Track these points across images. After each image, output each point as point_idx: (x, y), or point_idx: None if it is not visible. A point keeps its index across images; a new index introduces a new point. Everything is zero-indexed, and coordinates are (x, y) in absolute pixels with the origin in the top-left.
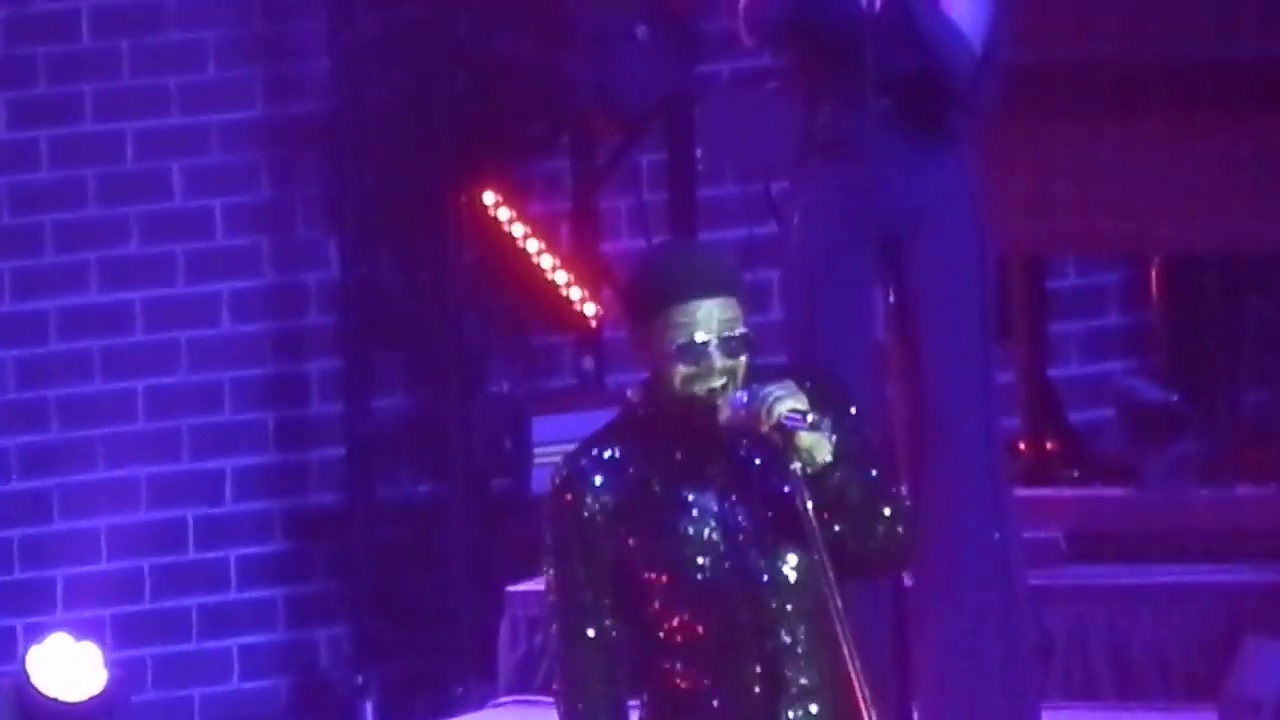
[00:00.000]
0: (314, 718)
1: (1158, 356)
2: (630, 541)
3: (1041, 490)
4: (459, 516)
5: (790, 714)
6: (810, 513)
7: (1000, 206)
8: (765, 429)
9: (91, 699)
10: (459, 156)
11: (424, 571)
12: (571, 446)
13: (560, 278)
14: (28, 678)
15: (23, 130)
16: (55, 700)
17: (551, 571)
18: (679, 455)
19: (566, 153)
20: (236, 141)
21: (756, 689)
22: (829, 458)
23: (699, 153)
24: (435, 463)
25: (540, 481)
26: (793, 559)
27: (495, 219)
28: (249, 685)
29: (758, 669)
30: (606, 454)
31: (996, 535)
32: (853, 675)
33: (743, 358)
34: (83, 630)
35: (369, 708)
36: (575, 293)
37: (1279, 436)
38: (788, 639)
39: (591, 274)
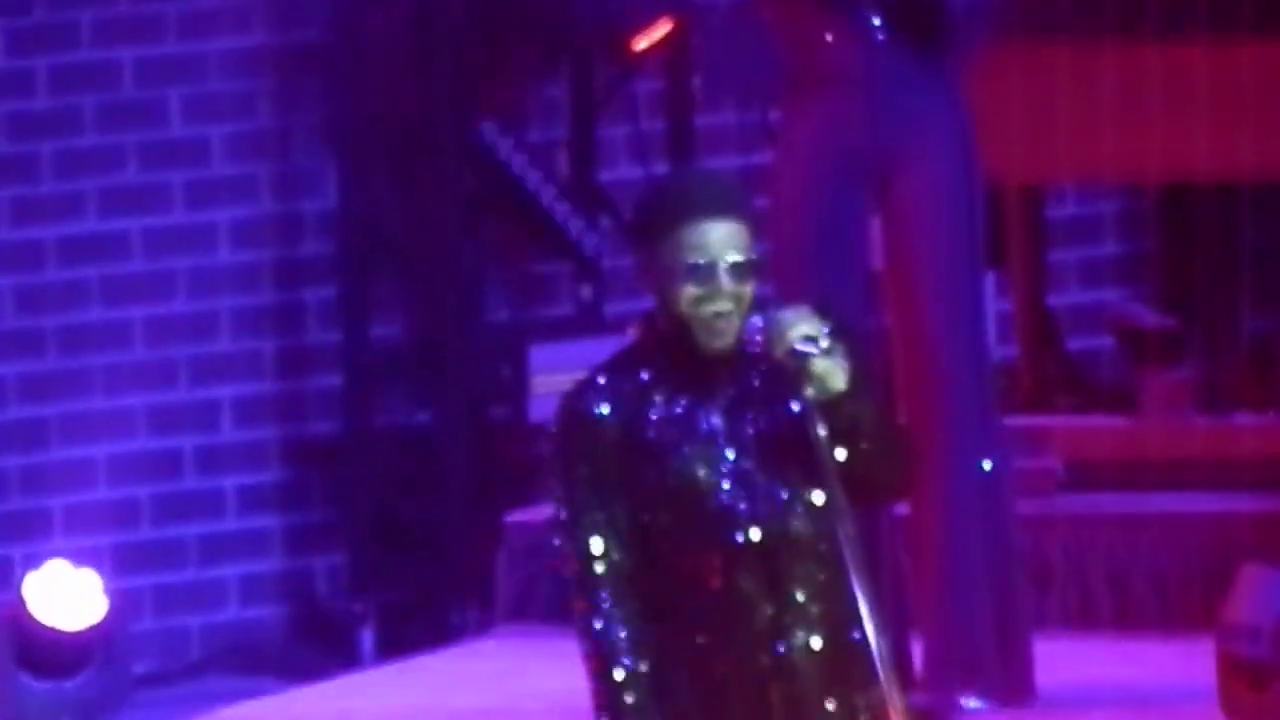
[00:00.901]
0: (312, 646)
1: (1155, 284)
2: (637, 469)
3: (1039, 418)
4: (457, 445)
5: (794, 641)
6: (822, 439)
7: (998, 135)
8: (779, 355)
9: (89, 628)
10: (458, 84)
11: (422, 500)
12: (569, 375)
13: (559, 206)
14: (25, 606)
15: (20, 58)
16: (53, 629)
17: (561, 503)
18: (684, 383)
19: (565, 81)
20: (235, 69)
21: (763, 619)
22: (843, 385)
23: (697, 81)
24: (433, 391)
25: (538, 409)
26: (800, 486)
27: (494, 147)
28: (247, 613)
29: (767, 606)
30: (610, 385)
31: (987, 465)
32: (860, 604)
33: (749, 284)
34: (80, 559)
35: (367, 635)
36: (574, 221)
37: (1277, 363)
38: (795, 567)
39: (590, 202)
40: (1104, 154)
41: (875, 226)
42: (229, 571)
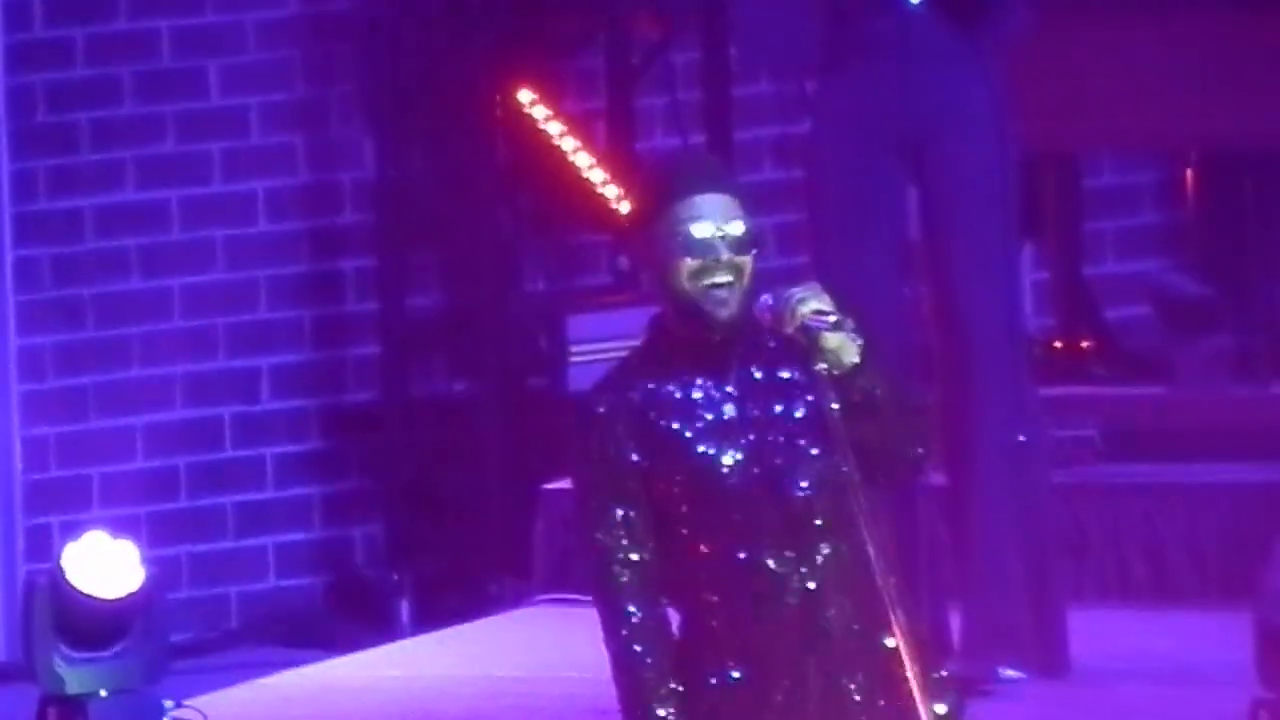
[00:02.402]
0: (350, 615)
1: (1193, 254)
2: (656, 461)
3: (1077, 388)
4: (494, 414)
5: (827, 613)
6: (836, 414)
7: (1034, 105)
8: (790, 330)
9: (128, 596)
10: (495, 54)
11: (459, 470)
12: (606, 344)
13: (595, 176)
14: (64, 574)
15: (58, 29)
16: (92, 597)
17: (579, 506)
18: (696, 370)
19: (602, 51)
20: (272, 39)
21: (794, 595)
22: (855, 359)
23: (734, 51)
24: (471, 361)
25: (576, 379)
26: (819, 461)
27: (531, 117)
28: (285, 583)
29: (795, 581)
30: (623, 384)
31: (1021, 436)
32: (877, 577)
33: (747, 256)
34: (119, 528)
35: (404, 605)
36: (610, 191)
37: None
38: (821, 541)
39: (627, 172)
40: (1140, 122)
41: (911, 198)
42: (267, 541)
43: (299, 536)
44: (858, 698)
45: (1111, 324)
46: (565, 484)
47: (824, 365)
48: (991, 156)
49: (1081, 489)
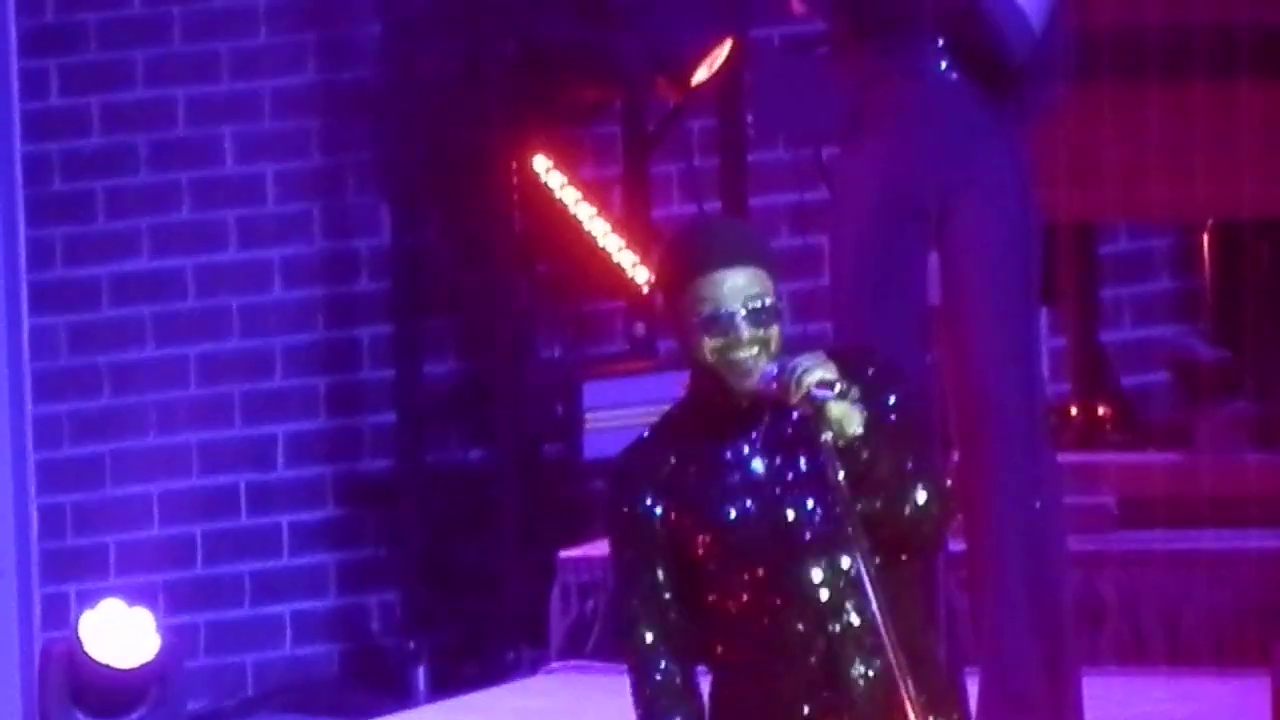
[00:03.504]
0: (365, 684)
1: (1209, 320)
2: (684, 520)
3: (1093, 455)
4: (510, 482)
5: (852, 672)
6: (842, 483)
7: (1049, 173)
8: (794, 401)
9: (144, 665)
10: (510, 122)
11: (475, 537)
12: (623, 412)
13: (611, 243)
14: (80, 643)
15: (74, 97)
16: (107, 666)
17: (614, 562)
18: (723, 431)
19: (618, 118)
20: (288, 108)
21: (819, 655)
22: (859, 430)
23: (750, 118)
24: (486, 428)
25: (592, 447)
26: (843, 537)
27: (546, 184)
28: (301, 651)
29: (820, 641)
30: (658, 443)
31: (1037, 504)
32: (886, 646)
33: (774, 328)
34: (135, 596)
35: (421, 673)
36: (626, 258)
37: None
38: (846, 602)
39: (643, 239)
40: (1154, 192)
41: (933, 263)
42: (282, 609)
43: (315, 605)
44: None
45: (1128, 390)
46: (581, 551)
47: (829, 435)
48: (1014, 225)
49: (1098, 556)
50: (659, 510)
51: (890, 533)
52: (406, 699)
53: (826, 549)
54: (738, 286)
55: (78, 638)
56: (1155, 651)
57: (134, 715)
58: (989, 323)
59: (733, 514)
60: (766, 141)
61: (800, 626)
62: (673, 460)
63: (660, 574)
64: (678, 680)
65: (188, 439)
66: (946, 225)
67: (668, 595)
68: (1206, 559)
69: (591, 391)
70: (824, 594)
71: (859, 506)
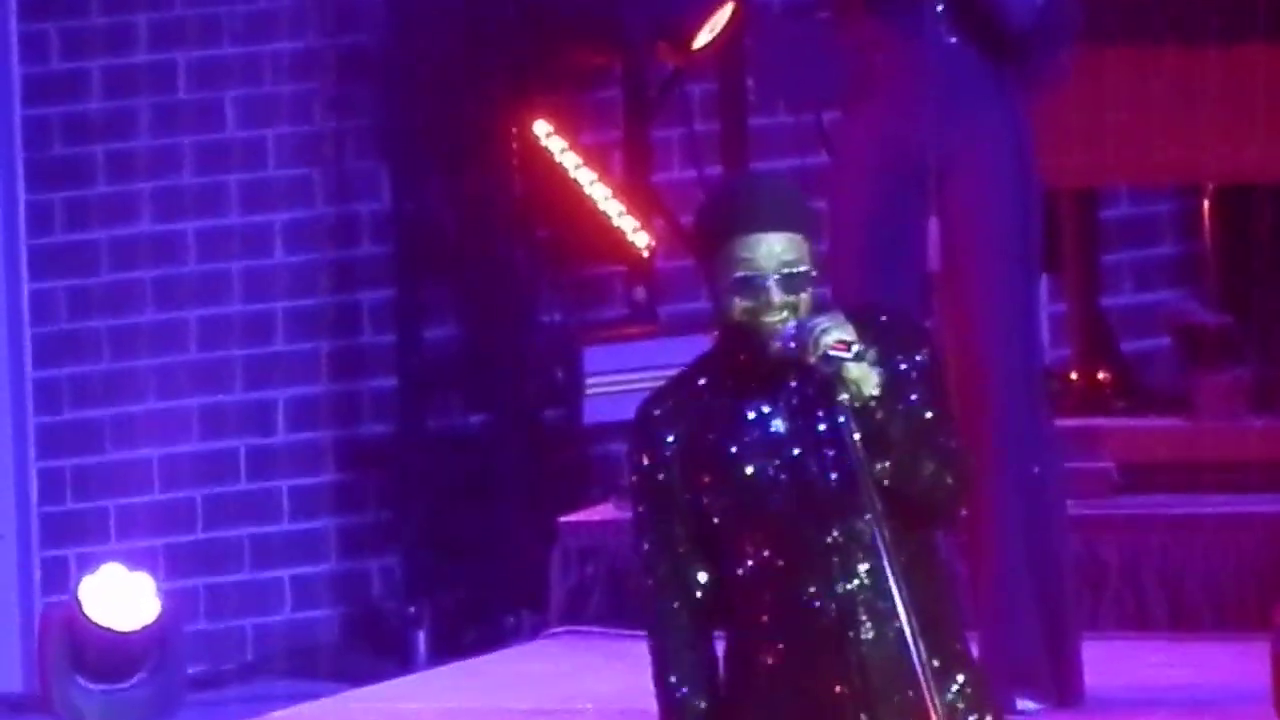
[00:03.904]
0: (366, 648)
1: (1210, 285)
2: (702, 477)
3: (1094, 420)
4: (510, 447)
5: (863, 638)
6: (857, 443)
7: (1052, 137)
8: (812, 360)
9: (144, 629)
10: (511, 87)
11: (476, 502)
12: (623, 377)
13: (612, 208)
14: (80, 607)
15: (75, 61)
16: (107, 630)
17: (634, 511)
18: (749, 389)
19: (618, 83)
20: (290, 72)
21: (829, 618)
22: (876, 391)
23: (751, 83)
24: (487, 393)
25: (592, 412)
26: (858, 503)
27: (547, 149)
28: (301, 615)
29: (832, 605)
30: (680, 394)
31: (1036, 469)
32: (899, 609)
33: (805, 293)
34: (135, 560)
35: (421, 638)
36: (627, 223)
37: None
38: (860, 566)
39: (643, 204)
40: (1158, 156)
41: (932, 228)
42: (283, 574)
43: (315, 569)
44: None
45: (1129, 355)
46: (582, 516)
47: (845, 395)
48: (1013, 189)
49: (1099, 521)
50: (678, 464)
51: (904, 499)
52: (407, 663)
53: (843, 512)
54: (773, 251)
55: (78, 602)
56: (1156, 617)
57: (134, 679)
58: (987, 287)
59: (751, 473)
60: (767, 106)
61: (811, 589)
62: (694, 415)
63: (678, 528)
64: (693, 637)
65: (188, 403)
66: (945, 189)
67: (684, 549)
68: (1207, 524)
69: (592, 356)
70: (836, 558)
71: (874, 469)
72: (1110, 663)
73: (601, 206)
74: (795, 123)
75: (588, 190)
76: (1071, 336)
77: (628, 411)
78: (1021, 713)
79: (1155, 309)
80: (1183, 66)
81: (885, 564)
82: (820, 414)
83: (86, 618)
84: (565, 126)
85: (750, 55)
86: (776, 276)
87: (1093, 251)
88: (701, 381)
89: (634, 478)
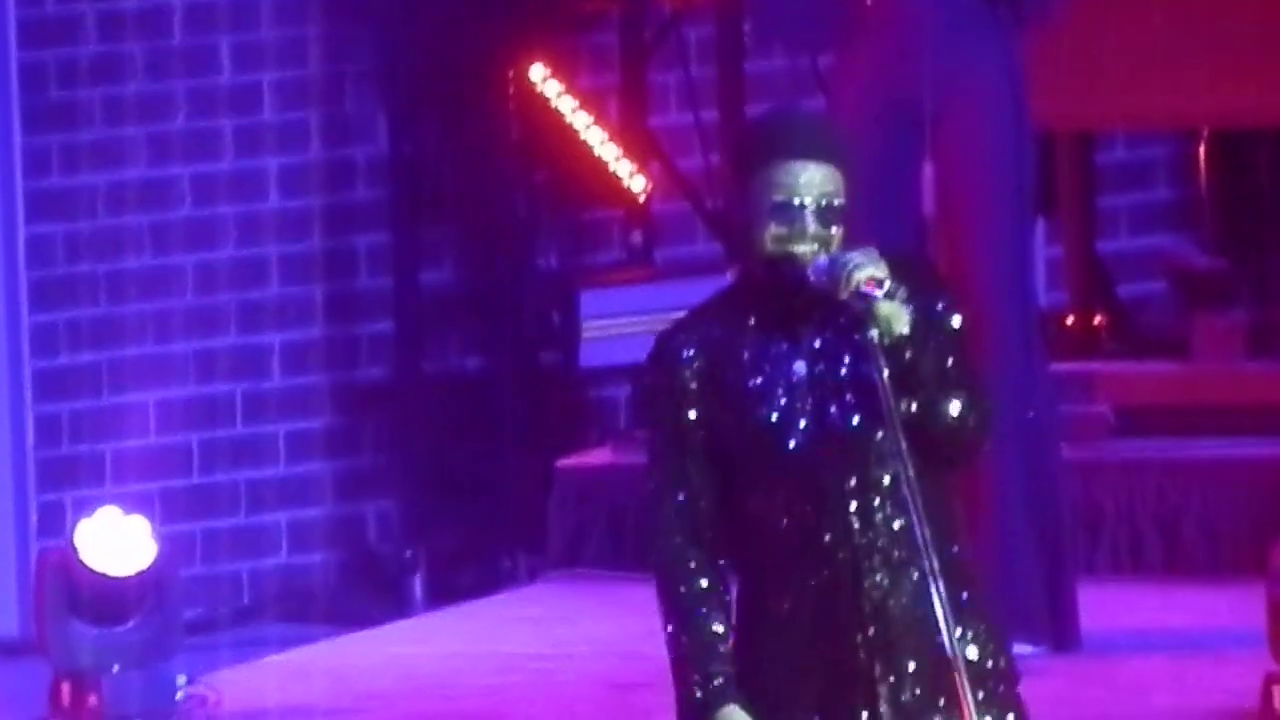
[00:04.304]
0: (363, 592)
1: (1206, 229)
2: (721, 411)
3: (1090, 364)
4: (507, 391)
5: (879, 584)
6: (886, 381)
7: (1048, 81)
8: (844, 295)
9: (140, 573)
10: (508, 30)
11: (472, 446)
12: (619, 320)
13: (609, 152)
14: (76, 551)
15: (68, 4)
16: (103, 574)
17: (646, 445)
18: (773, 327)
19: (615, 27)
20: (285, 15)
21: (845, 565)
22: (906, 329)
23: (747, 26)
24: (484, 337)
25: (589, 355)
26: (879, 433)
27: (544, 93)
28: (298, 559)
29: (846, 551)
30: (701, 327)
31: (1033, 412)
32: (921, 553)
33: (837, 229)
34: (131, 504)
35: (417, 582)
36: (624, 167)
37: None
38: (876, 512)
39: (640, 148)
40: (1155, 100)
41: (928, 172)
42: (279, 517)
43: (312, 513)
44: (907, 682)
45: (1125, 299)
46: (578, 460)
47: (875, 332)
48: (1008, 133)
49: (1095, 465)
50: (697, 400)
51: (927, 439)
52: (403, 607)
53: (862, 458)
54: (813, 180)
55: (73, 546)
56: (1152, 561)
57: (130, 623)
58: (983, 229)
59: (770, 414)
60: (764, 50)
61: (827, 537)
62: (715, 352)
63: (693, 462)
64: (706, 577)
65: (184, 347)
66: (940, 133)
67: (698, 483)
68: (1203, 468)
69: (588, 300)
70: (854, 505)
71: (901, 408)
72: (1106, 606)
73: (598, 151)
74: (791, 66)
75: (584, 134)
76: (1068, 280)
77: (624, 355)
78: (1018, 656)
79: (1151, 253)
80: (1179, 10)
81: (911, 506)
82: (845, 357)
83: (82, 562)
84: (562, 70)
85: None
86: (813, 206)
87: (1089, 195)
88: (723, 318)
89: (650, 409)
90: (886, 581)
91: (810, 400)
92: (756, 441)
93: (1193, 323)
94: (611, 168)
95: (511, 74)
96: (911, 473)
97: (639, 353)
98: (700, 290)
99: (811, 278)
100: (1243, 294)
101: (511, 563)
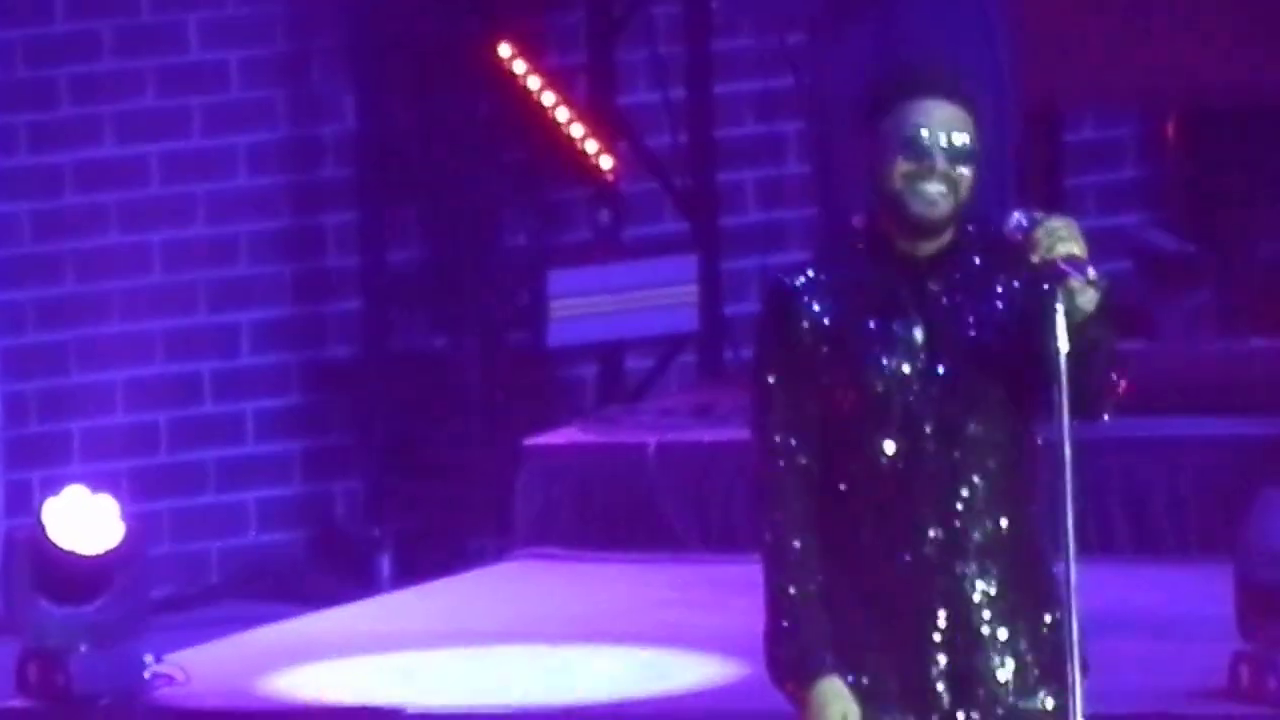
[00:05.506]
0: (331, 570)
1: (1173, 209)
2: (832, 363)
3: None
4: (475, 369)
5: (959, 567)
6: (1061, 351)
7: (1017, 60)
8: (1038, 260)
9: (108, 552)
10: (475, 8)
11: (440, 425)
12: (587, 299)
13: (576, 130)
14: (44, 530)
15: None
16: (71, 553)
17: (756, 384)
18: (891, 280)
19: (582, 5)
20: None
21: (931, 535)
22: (1092, 308)
23: (716, 3)
24: (451, 316)
25: (556, 335)
26: (983, 407)
27: (511, 71)
28: (266, 538)
29: (934, 520)
30: (819, 274)
31: None
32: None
33: (967, 169)
34: (99, 483)
35: (385, 560)
36: (591, 145)
37: None
38: (965, 490)
39: (608, 127)
40: (1121, 77)
41: None
42: (248, 496)
43: (280, 491)
44: (990, 668)
45: None
46: (547, 439)
47: (1062, 305)
48: (993, 98)
49: None
50: (811, 346)
51: (1076, 404)
52: (371, 585)
53: (966, 429)
54: (945, 117)
55: (41, 525)
56: (1118, 538)
57: (98, 602)
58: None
59: (883, 368)
60: (732, 28)
61: (918, 504)
62: (835, 303)
63: (808, 405)
64: (808, 538)
65: (152, 326)
66: None
67: (809, 430)
68: (1169, 446)
69: (556, 279)
70: (951, 478)
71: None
72: None
73: (566, 129)
74: (759, 45)
75: (552, 112)
76: None
77: (592, 334)
78: None
79: (1118, 233)
80: None
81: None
82: (969, 317)
83: (50, 541)
84: (530, 49)
85: None
86: (944, 143)
87: (1056, 175)
88: (847, 266)
89: (763, 346)
90: (974, 564)
91: (921, 359)
92: (864, 398)
93: (1159, 302)
94: (579, 146)
95: (479, 53)
96: (1069, 451)
97: (607, 332)
98: (669, 269)
99: (1008, 230)
100: (1208, 274)
101: (478, 542)
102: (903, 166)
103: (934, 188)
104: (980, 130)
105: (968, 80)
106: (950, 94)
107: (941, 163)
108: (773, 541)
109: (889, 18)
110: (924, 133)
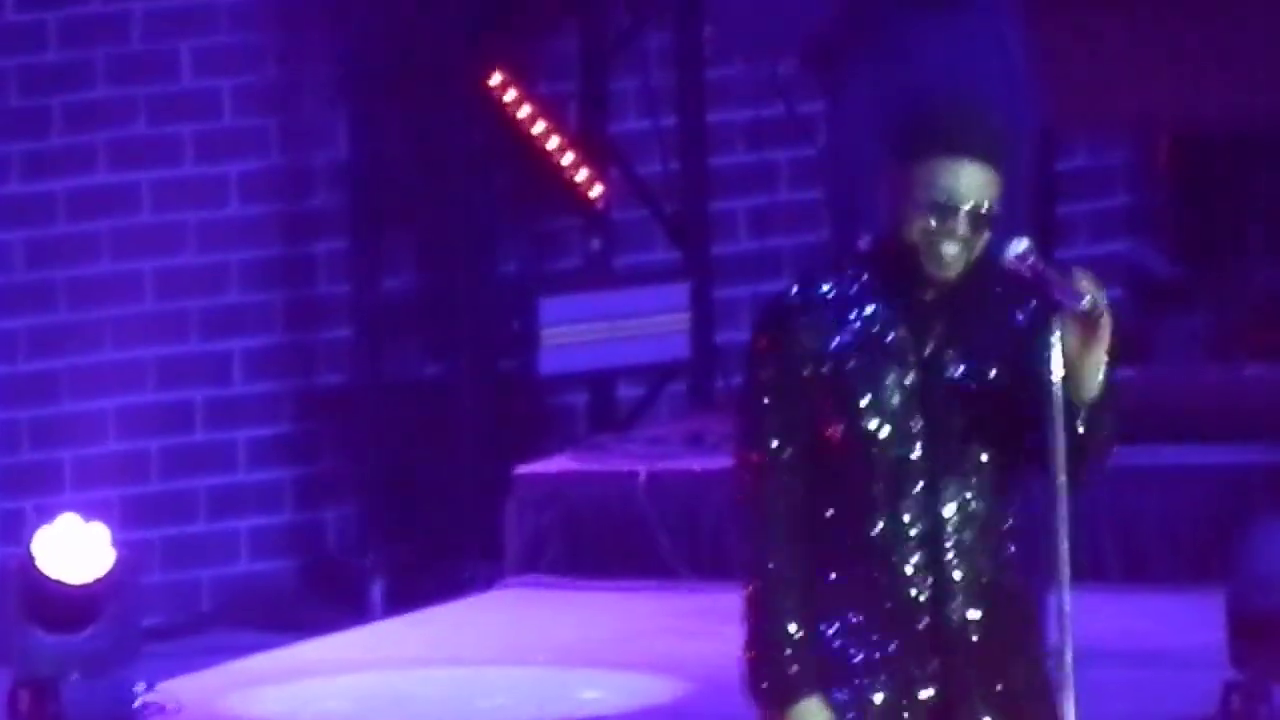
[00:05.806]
0: (322, 598)
1: (1165, 235)
2: (824, 389)
3: None
4: (467, 397)
5: (952, 619)
6: (1058, 386)
7: None
8: (1058, 298)
9: (99, 580)
10: (467, 36)
11: (432, 452)
12: (578, 327)
13: (568, 158)
14: (35, 559)
15: (30, 11)
16: (62, 582)
17: (744, 406)
18: (895, 310)
19: (575, 33)
20: (245, 21)
21: (918, 573)
22: (1095, 394)
23: (708, 32)
24: (443, 343)
25: (548, 362)
26: (977, 453)
27: (502, 99)
28: (257, 566)
29: (923, 561)
30: (818, 307)
31: None
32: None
33: (986, 233)
34: (91, 511)
35: (377, 588)
36: (583, 173)
37: None
38: (951, 529)
39: (599, 155)
40: (1113, 103)
41: None
42: (239, 524)
43: (271, 520)
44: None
45: None
46: (537, 467)
47: (1061, 374)
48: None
49: None
50: (810, 372)
51: (1073, 451)
52: (362, 613)
53: (961, 464)
54: (974, 185)
55: (32, 553)
56: (1111, 567)
57: (89, 630)
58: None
59: (874, 423)
60: (724, 57)
61: (906, 523)
62: (833, 329)
63: (793, 427)
64: (794, 561)
65: (144, 354)
66: None
67: (795, 453)
68: (1162, 473)
69: (548, 307)
70: (937, 500)
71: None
72: None
73: (558, 157)
74: (752, 74)
75: (543, 140)
76: None
77: (583, 362)
78: None
79: (1111, 260)
80: (1141, 19)
81: (1060, 541)
82: (960, 364)
83: (41, 570)
84: (521, 77)
85: (710, 4)
86: (969, 208)
87: (1048, 202)
88: (850, 287)
89: (763, 372)
90: (966, 611)
91: (918, 392)
92: (854, 431)
93: (1152, 329)
94: (571, 175)
95: (471, 81)
96: (1064, 478)
97: (598, 360)
98: (661, 297)
99: (1011, 260)
100: (1201, 300)
101: (470, 570)
102: (925, 224)
103: (951, 250)
104: (1003, 180)
105: (1000, 135)
106: (987, 155)
107: (964, 228)
108: (755, 557)
109: (907, 42)
110: (952, 198)
